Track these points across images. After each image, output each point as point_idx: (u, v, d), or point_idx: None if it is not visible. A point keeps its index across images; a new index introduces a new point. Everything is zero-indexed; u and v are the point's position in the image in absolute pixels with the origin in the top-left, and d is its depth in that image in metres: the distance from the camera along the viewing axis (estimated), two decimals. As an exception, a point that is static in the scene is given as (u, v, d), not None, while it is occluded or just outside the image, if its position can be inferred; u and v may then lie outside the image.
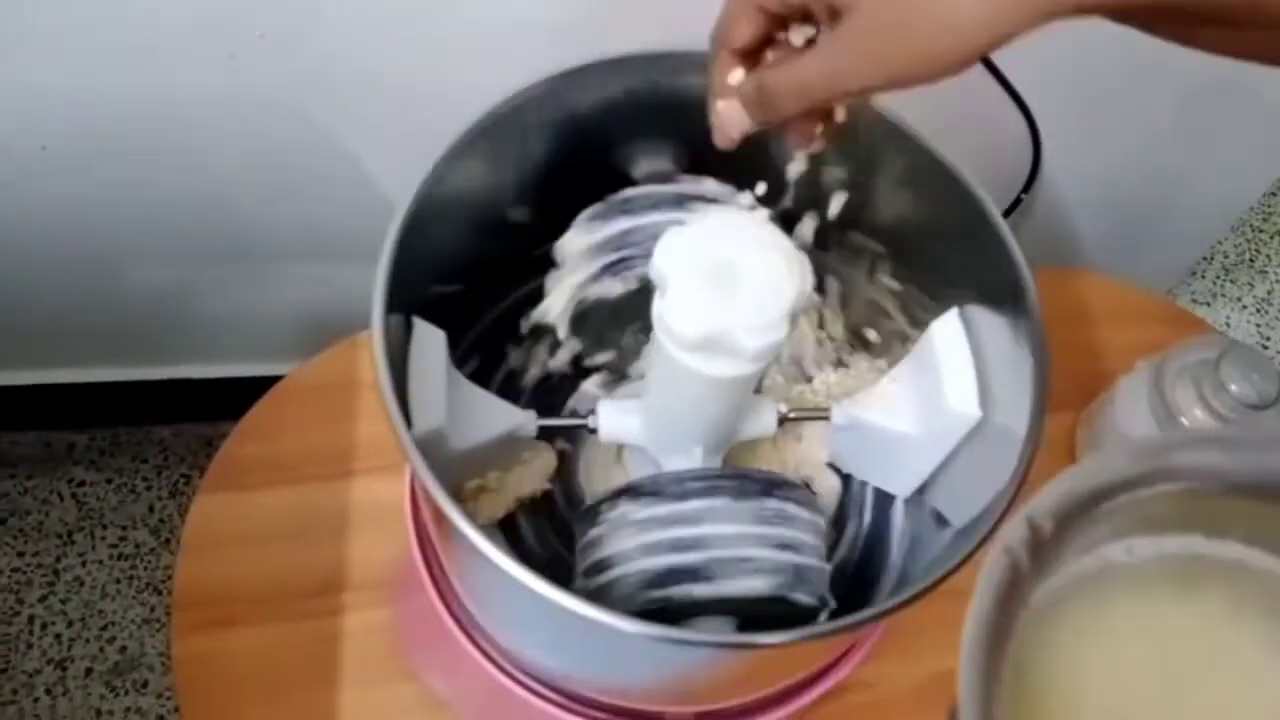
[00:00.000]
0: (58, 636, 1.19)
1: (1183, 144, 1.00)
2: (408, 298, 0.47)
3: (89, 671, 1.18)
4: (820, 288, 0.60)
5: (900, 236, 0.55)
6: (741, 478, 0.46)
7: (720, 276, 0.40)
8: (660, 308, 0.41)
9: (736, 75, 0.42)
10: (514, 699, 0.56)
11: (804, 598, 0.45)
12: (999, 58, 0.78)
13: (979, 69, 0.79)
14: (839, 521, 0.60)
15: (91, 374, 1.16)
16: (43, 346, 1.12)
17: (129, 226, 0.95)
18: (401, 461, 0.57)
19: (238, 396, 0.85)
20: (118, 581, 1.22)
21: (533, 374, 0.60)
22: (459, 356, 0.53)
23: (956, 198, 0.49)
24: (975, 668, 0.30)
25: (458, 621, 0.57)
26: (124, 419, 1.26)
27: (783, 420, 0.53)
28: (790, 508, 0.46)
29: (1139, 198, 1.06)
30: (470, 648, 0.56)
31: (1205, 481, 0.33)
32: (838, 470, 0.59)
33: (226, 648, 0.74)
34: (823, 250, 0.57)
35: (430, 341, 0.48)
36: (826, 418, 0.54)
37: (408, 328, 0.48)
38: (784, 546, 0.45)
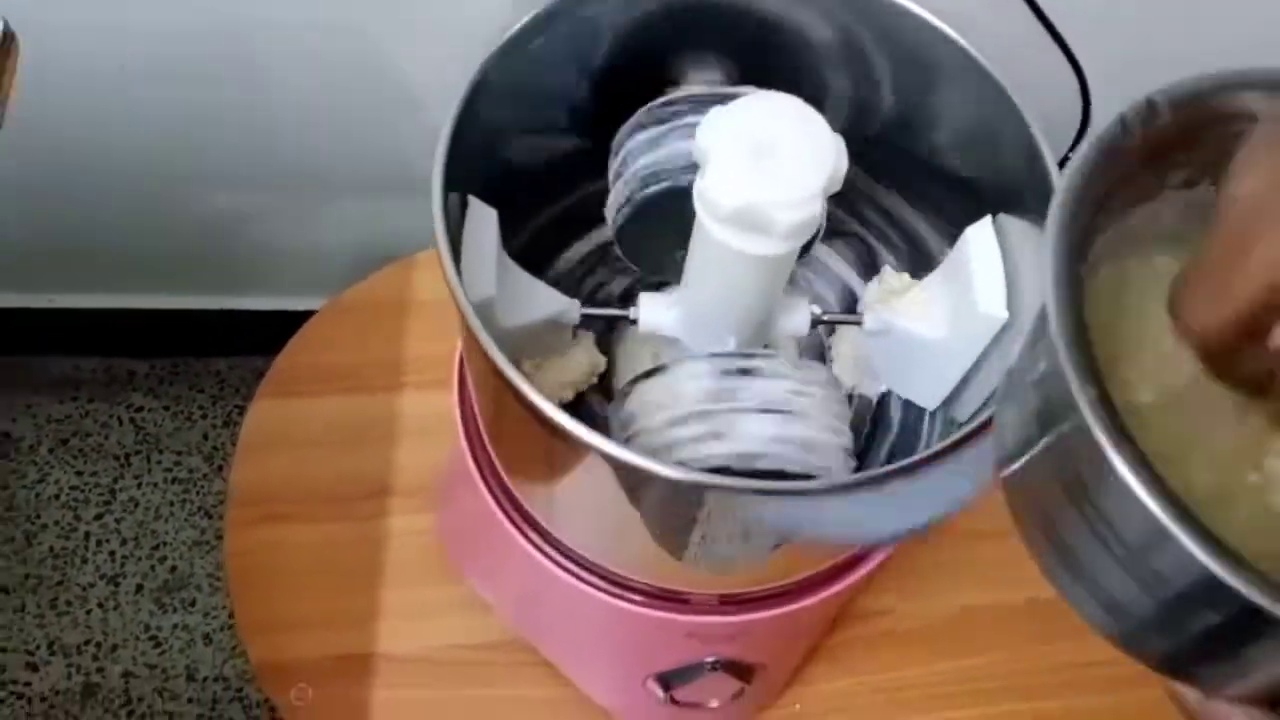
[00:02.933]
0: (111, 554, 1.24)
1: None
2: (465, 179, 0.50)
3: (139, 588, 1.22)
4: (857, 210, 0.62)
5: (940, 153, 0.57)
6: (756, 355, 0.49)
7: (759, 152, 0.43)
8: (701, 184, 0.44)
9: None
10: (556, 583, 0.58)
11: (816, 462, 0.47)
12: (1048, 7, 0.79)
13: (1026, 15, 0.80)
14: (871, 437, 0.62)
15: (153, 300, 1.20)
16: (108, 271, 1.16)
17: (196, 152, 0.98)
18: (449, 376, 0.61)
19: (294, 330, 0.88)
20: (171, 504, 1.26)
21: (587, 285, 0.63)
22: (514, 252, 0.55)
23: (996, 109, 0.50)
24: (1067, 216, 0.31)
25: (505, 513, 0.60)
26: (183, 349, 1.31)
27: (816, 322, 0.55)
28: (805, 385, 0.48)
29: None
30: (517, 535, 0.59)
31: None
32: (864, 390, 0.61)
33: (278, 542, 0.77)
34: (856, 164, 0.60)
35: (483, 219, 0.50)
36: (859, 322, 0.56)
37: (463, 207, 0.50)
38: (798, 415, 0.48)
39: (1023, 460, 0.34)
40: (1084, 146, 0.32)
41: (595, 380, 0.59)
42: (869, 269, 0.63)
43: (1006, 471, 0.35)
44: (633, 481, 0.46)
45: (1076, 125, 0.93)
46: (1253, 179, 0.29)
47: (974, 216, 0.53)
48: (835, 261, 0.64)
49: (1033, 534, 0.33)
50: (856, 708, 0.75)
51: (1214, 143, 0.30)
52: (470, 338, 0.44)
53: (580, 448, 0.43)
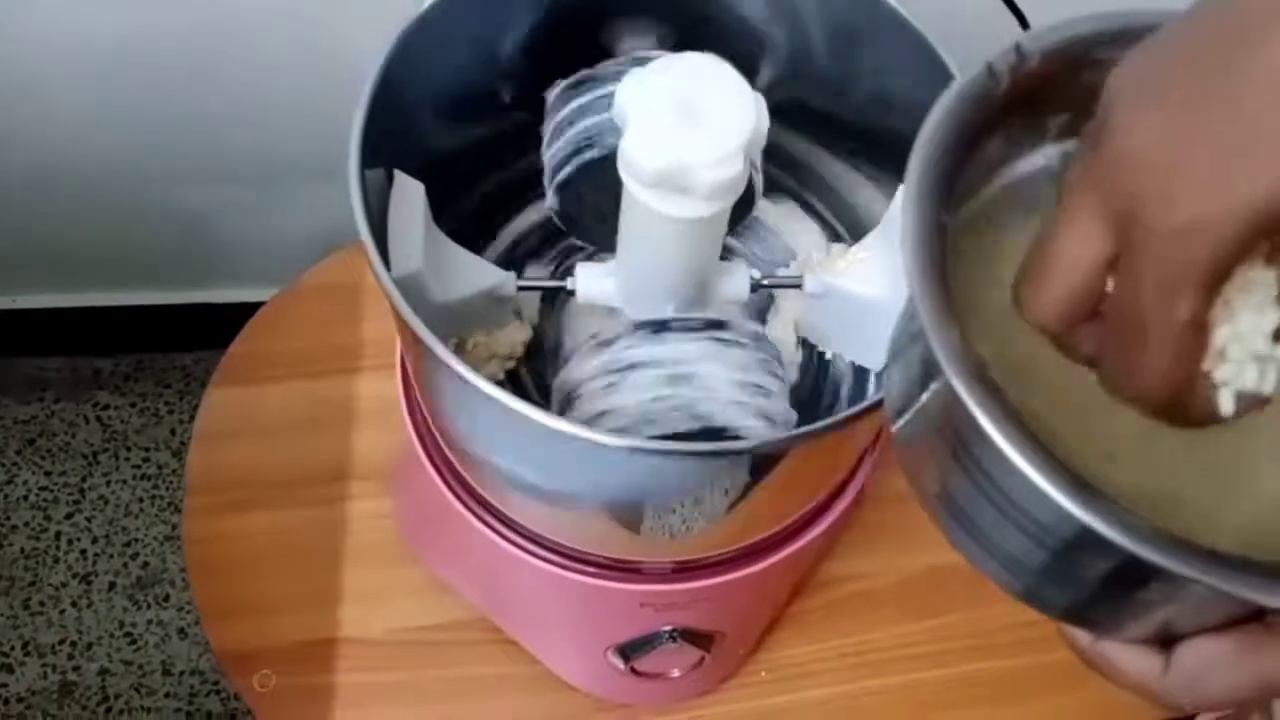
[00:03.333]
0: (83, 552, 1.23)
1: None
2: (396, 155, 0.50)
3: (112, 585, 1.22)
4: (799, 174, 0.62)
5: (873, 113, 0.56)
6: (687, 317, 0.49)
7: (679, 112, 0.42)
8: (622, 146, 0.44)
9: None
10: (510, 560, 0.58)
11: (752, 423, 0.47)
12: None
13: None
14: (813, 400, 0.62)
15: (115, 298, 1.20)
16: (70, 270, 1.16)
17: (151, 148, 0.97)
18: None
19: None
20: (140, 501, 1.25)
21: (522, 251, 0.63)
22: (450, 229, 0.55)
23: (927, 67, 0.50)
24: (927, 161, 0.31)
25: (455, 494, 0.59)
26: (147, 345, 1.30)
27: (756, 286, 0.55)
28: (736, 347, 0.48)
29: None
30: (467, 514, 0.59)
31: None
32: (811, 346, 0.61)
33: (237, 530, 0.77)
34: (799, 132, 0.59)
35: (409, 192, 0.50)
36: (799, 285, 0.56)
37: (389, 181, 0.50)
38: (741, 384, 0.48)
39: (907, 417, 0.34)
40: (947, 92, 0.32)
41: (522, 352, 0.59)
42: (815, 235, 0.63)
43: (894, 430, 0.35)
44: (566, 449, 0.46)
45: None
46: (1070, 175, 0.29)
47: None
48: (781, 227, 0.63)
49: (924, 494, 0.33)
50: (823, 671, 0.75)
51: (1089, 91, 0.29)
52: (396, 314, 0.44)
53: (510, 417, 0.42)
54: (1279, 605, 0.27)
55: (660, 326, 0.49)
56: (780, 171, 0.62)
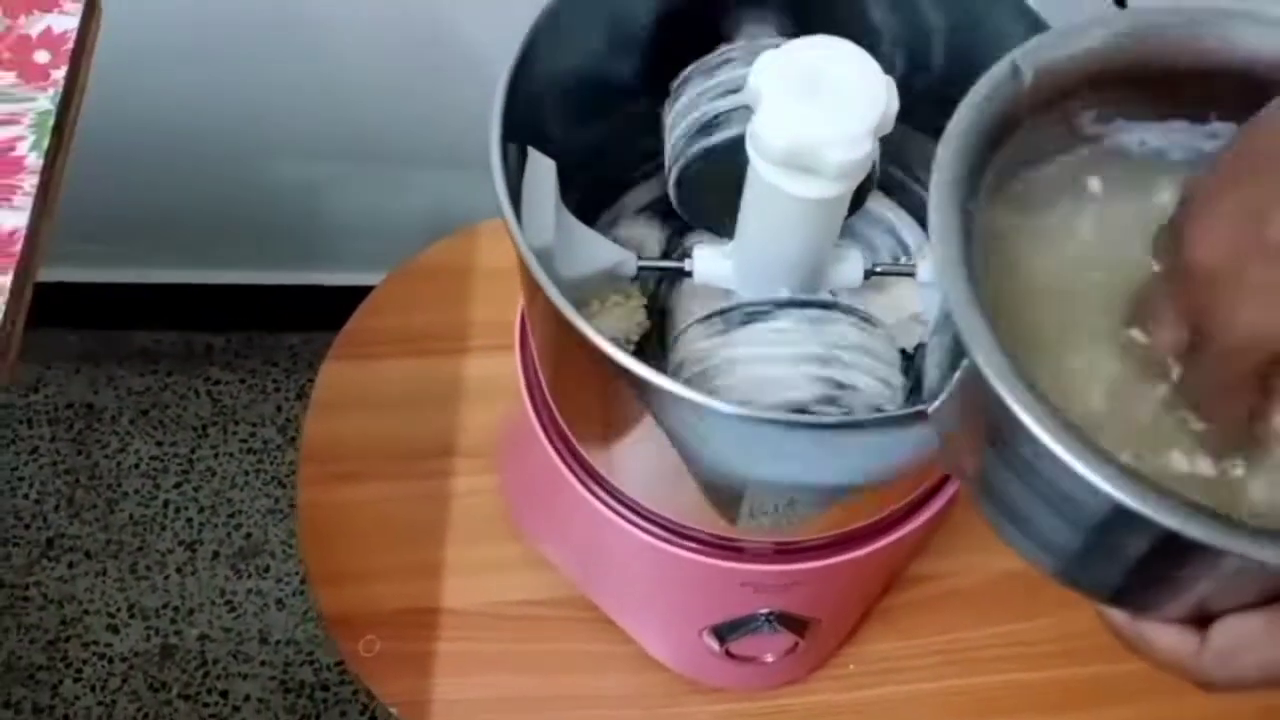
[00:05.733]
0: (189, 521, 1.28)
1: None
2: (524, 133, 0.52)
3: (216, 555, 1.26)
4: (910, 166, 0.63)
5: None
6: (804, 302, 0.50)
7: (810, 92, 0.44)
8: (753, 125, 0.45)
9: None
10: (616, 532, 0.60)
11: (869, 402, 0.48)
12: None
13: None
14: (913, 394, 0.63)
15: (230, 275, 1.24)
16: (188, 246, 1.20)
17: (270, 127, 1.01)
18: (511, 340, 0.62)
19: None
20: (246, 474, 1.30)
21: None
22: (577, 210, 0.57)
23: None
24: (956, 150, 0.33)
25: (566, 465, 0.61)
26: (258, 323, 1.34)
27: (869, 273, 0.56)
28: (844, 329, 0.49)
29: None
30: (578, 485, 0.60)
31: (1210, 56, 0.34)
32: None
33: (346, 499, 0.80)
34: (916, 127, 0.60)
35: (542, 169, 0.52)
36: (913, 273, 0.57)
37: (522, 159, 0.52)
38: (828, 362, 0.49)
39: (941, 399, 0.35)
40: (974, 88, 0.34)
41: (641, 334, 0.60)
42: (923, 224, 0.63)
43: (931, 412, 0.36)
44: (688, 420, 0.48)
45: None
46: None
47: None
48: (890, 216, 0.64)
49: (963, 476, 0.34)
50: (909, 668, 0.76)
51: (1114, 89, 0.32)
52: (530, 283, 0.46)
53: (637, 386, 0.44)
54: None
55: (778, 306, 0.50)
56: (893, 165, 0.63)
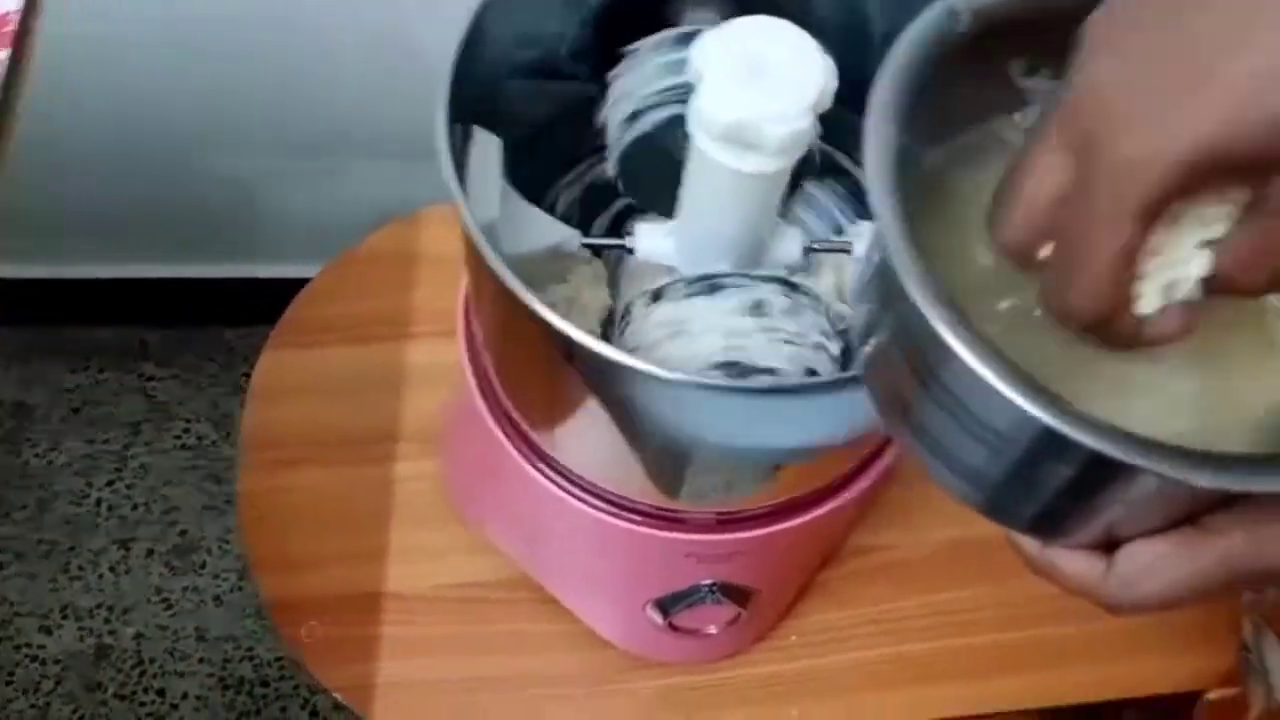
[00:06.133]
0: (123, 519, 1.26)
1: None
2: (469, 115, 0.53)
3: (150, 553, 1.25)
4: (848, 148, 0.65)
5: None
6: (744, 273, 0.51)
7: (751, 69, 0.45)
8: (695, 102, 0.46)
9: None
10: (560, 507, 0.61)
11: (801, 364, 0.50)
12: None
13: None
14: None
15: (164, 270, 1.23)
16: (121, 241, 1.19)
17: (204, 120, 1.00)
18: (454, 326, 0.63)
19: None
20: (181, 470, 1.29)
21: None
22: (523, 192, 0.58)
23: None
24: (890, 95, 0.33)
25: (511, 442, 0.62)
26: (193, 318, 1.33)
27: (808, 249, 0.58)
28: (783, 300, 0.51)
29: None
30: (522, 461, 0.61)
31: None
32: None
33: (288, 486, 0.80)
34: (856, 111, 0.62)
35: (487, 146, 0.53)
36: (849, 250, 0.59)
37: (466, 139, 0.53)
38: (766, 331, 0.50)
39: (872, 341, 0.36)
40: (908, 30, 0.34)
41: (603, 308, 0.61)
42: (860, 205, 0.65)
43: (862, 357, 0.37)
44: (633, 390, 0.49)
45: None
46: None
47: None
48: (827, 197, 0.66)
49: (890, 417, 0.36)
50: (850, 638, 0.78)
51: (1054, 38, 0.32)
52: (477, 259, 0.47)
53: (581, 356, 0.45)
54: (1218, 486, 0.29)
55: (718, 280, 0.51)
56: (832, 148, 0.65)
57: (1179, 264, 0.31)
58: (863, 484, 0.61)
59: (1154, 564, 0.32)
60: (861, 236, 0.59)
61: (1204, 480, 0.28)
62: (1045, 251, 0.31)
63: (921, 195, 0.35)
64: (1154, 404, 0.35)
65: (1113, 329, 0.31)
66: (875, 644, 0.77)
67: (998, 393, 0.29)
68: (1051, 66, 0.35)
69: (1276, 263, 0.30)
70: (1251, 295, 0.31)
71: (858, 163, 0.65)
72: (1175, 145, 0.28)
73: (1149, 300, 0.31)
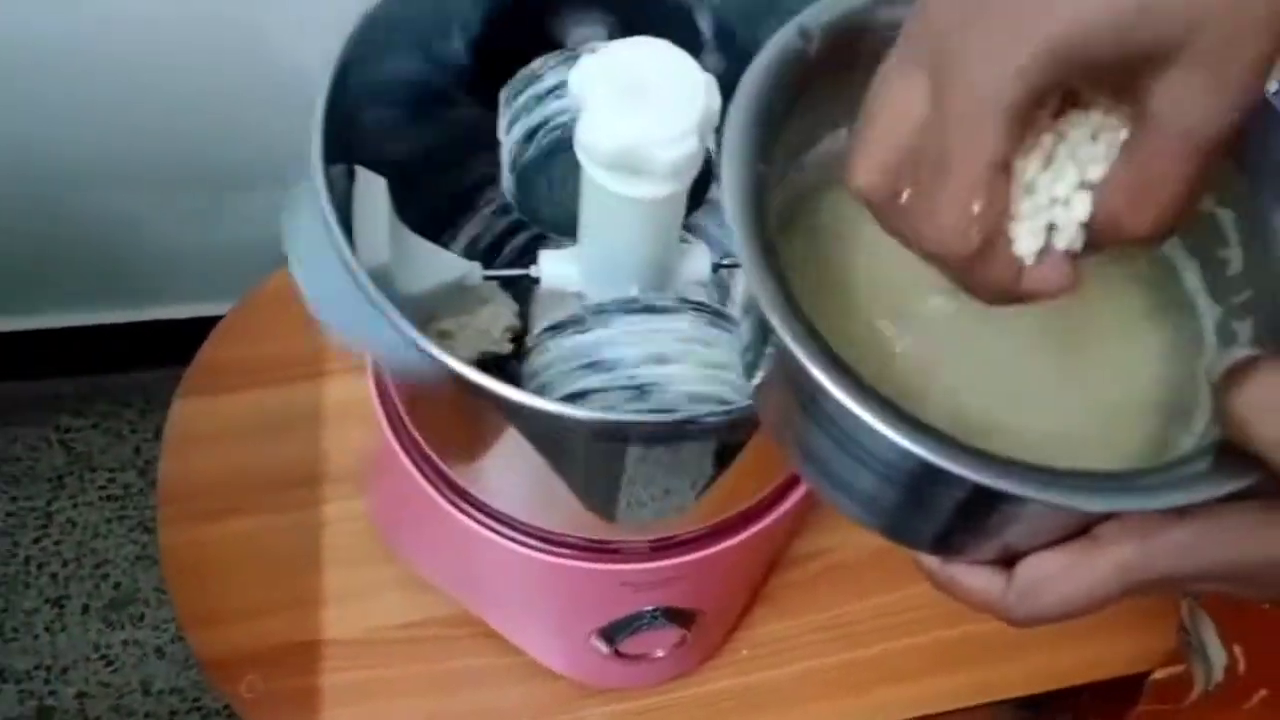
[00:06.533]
0: (53, 576, 1.22)
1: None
2: (352, 153, 0.50)
3: (86, 608, 1.21)
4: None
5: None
6: (651, 301, 0.49)
7: (632, 94, 0.43)
8: (579, 130, 0.44)
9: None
10: (490, 547, 0.59)
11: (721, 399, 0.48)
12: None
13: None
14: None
15: (69, 319, 1.19)
16: (19, 293, 1.15)
17: (88, 158, 0.97)
18: (366, 359, 0.61)
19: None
20: (109, 521, 1.25)
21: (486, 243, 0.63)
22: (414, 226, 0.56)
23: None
24: (746, 118, 0.32)
25: (432, 485, 0.60)
26: (106, 365, 1.29)
27: (717, 266, 0.56)
28: (703, 327, 0.49)
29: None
30: (446, 505, 0.59)
31: None
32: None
33: (212, 538, 0.77)
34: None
35: (372, 187, 0.50)
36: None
37: (350, 178, 0.51)
38: (708, 363, 0.49)
39: (757, 373, 0.35)
40: (763, 50, 0.33)
41: (510, 340, 0.59)
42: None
43: (751, 385, 0.36)
44: (550, 432, 0.47)
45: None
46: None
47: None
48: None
49: (783, 442, 0.35)
50: (800, 646, 0.77)
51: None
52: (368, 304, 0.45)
53: (488, 399, 0.43)
54: (1089, 509, 0.29)
55: (625, 306, 0.49)
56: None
57: (1058, 205, 0.29)
58: (794, 499, 0.60)
59: (1050, 577, 0.32)
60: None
61: (1078, 504, 0.28)
62: (907, 194, 0.29)
63: (793, 214, 0.34)
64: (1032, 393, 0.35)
65: (988, 273, 0.29)
66: (823, 651, 0.76)
67: (874, 430, 0.28)
68: None
69: (1162, 200, 0.28)
70: (1140, 242, 0.29)
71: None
72: (1028, 44, 0.26)
73: (1025, 242, 0.29)
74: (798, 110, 0.34)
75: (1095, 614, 0.32)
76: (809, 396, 0.30)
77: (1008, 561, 0.33)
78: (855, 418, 0.28)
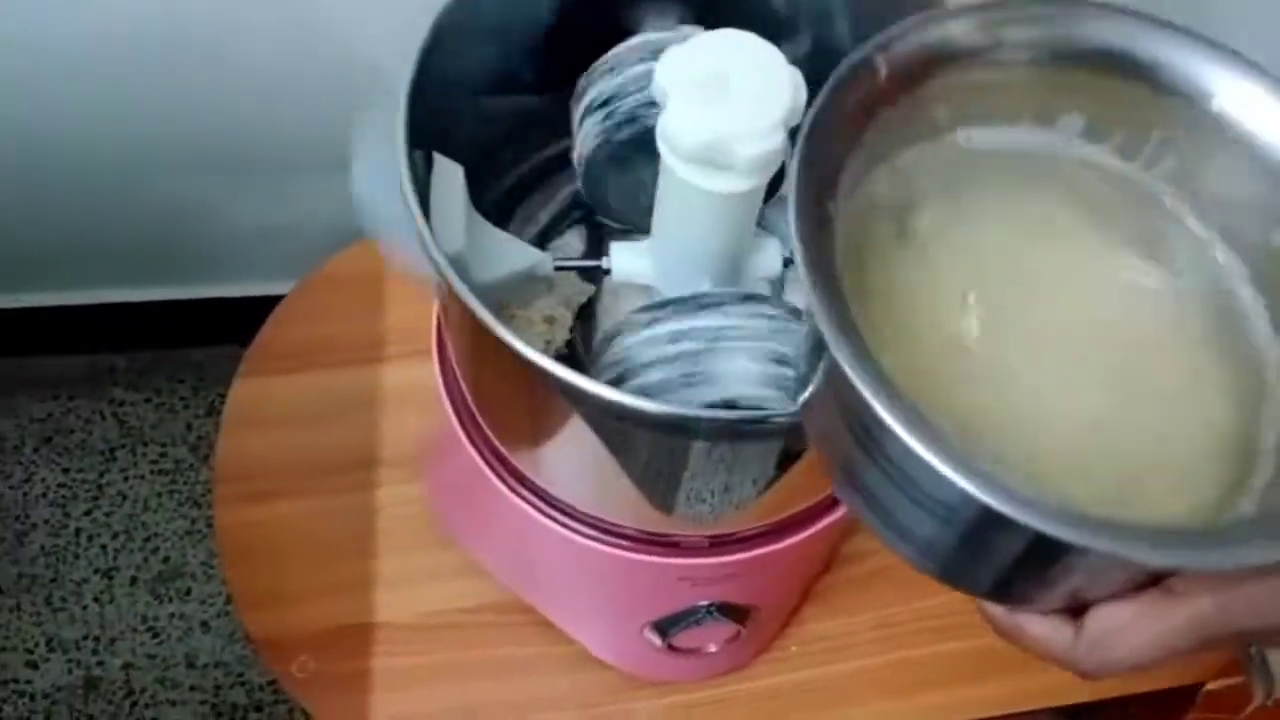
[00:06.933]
0: (103, 548, 1.24)
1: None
2: (429, 138, 0.50)
3: (134, 580, 1.23)
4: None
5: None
6: (733, 293, 0.49)
7: (717, 87, 0.43)
8: (662, 122, 0.44)
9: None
10: (549, 535, 0.59)
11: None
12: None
13: None
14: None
15: (129, 294, 1.20)
16: (82, 267, 1.16)
17: (158, 140, 0.98)
18: (427, 345, 0.61)
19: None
20: (159, 495, 1.26)
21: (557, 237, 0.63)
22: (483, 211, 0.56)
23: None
24: (811, 149, 0.32)
25: (493, 470, 0.60)
26: (161, 341, 1.31)
27: (789, 261, 0.56)
28: (781, 322, 0.49)
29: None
30: (506, 490, 0.59)
31: (1038, 51, 0.34)
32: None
33: (268, 518, 0.78)
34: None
35: (450, 174, 0.50)
36: (830, 259, 0.57)
37: (428, 165, 0.51)
38: (779, 360, 0.48)
39: (812, 401, 0.35)
40: (828, 83, 0.33)
41: (569, 334, 0.59)
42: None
43: (806, 417, 0.36)
44: (617, 423, 0.47)
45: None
46: None
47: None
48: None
49: (838, 479, 0.34)
50: (850, 645, 0.76)
51: (954, 76, 0.32)
52: (447, 289, 0.45)
53: (561, 390, 0.43)
54: (1159, 564, 0.28)
55: (699, 301, 0.49)
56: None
57: None
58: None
59: (1123, 629, 0.31)
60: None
61: (1151, 559, 0.28)
62: None
63: (844, 238, 0.34)
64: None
65: None
66: (873, 651, 0.76)
67: (940, 474, 0.28)
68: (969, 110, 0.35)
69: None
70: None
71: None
72: None
73: None
74: (863, 139, 0.34)
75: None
76: (870, 435, 0.30)
77: (1074, 610, 0.32)
78: (920, 459, 0.28)
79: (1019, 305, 0.35)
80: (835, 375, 0.30)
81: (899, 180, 0.37)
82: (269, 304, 0.93)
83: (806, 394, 0.35)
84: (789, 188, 0.32)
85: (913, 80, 0.34)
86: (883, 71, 0.33)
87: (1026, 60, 0.35)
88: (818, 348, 0.33)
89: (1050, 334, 0.34)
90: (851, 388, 0.28)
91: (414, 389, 0.81)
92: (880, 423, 0.28)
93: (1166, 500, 0.32)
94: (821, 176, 0.32)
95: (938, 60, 0.34)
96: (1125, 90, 0.35)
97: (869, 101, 0.34)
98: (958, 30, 0.34)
